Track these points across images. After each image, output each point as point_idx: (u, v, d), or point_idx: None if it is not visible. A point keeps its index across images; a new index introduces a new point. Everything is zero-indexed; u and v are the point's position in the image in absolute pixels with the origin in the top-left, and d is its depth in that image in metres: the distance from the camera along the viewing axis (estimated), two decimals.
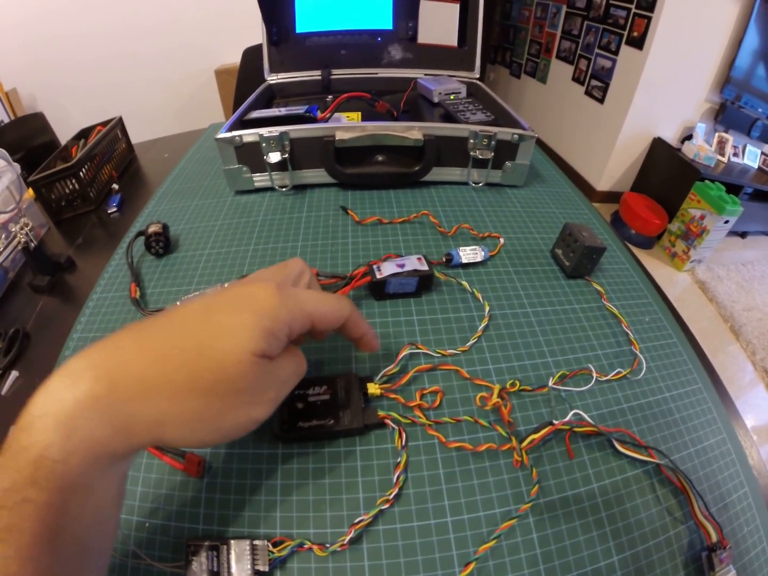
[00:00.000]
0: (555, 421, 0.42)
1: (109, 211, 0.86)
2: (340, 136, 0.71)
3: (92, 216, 0.86)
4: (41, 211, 0.84)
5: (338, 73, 1.04)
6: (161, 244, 0.65)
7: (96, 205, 0.88)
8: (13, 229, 0.67)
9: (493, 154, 0.75)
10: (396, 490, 0.38)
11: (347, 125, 0.74)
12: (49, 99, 2.98)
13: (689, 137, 3.06)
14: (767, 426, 2.05)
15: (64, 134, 1.00)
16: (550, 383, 0.46)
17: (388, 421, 0.42)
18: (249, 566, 0.33)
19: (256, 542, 0.34)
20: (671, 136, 3.19)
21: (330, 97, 0.95)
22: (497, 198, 0.78)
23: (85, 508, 0.25)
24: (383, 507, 0.37)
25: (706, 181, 2.70)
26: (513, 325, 0.54)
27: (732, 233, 3.11)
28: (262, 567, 0.33)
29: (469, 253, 0.61)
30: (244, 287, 0.33)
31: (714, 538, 0.36)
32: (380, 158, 0.77)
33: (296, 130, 0.72)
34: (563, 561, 0.35)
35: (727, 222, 2.61)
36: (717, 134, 3.11)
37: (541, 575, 0.35)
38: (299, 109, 0.80)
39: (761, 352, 2.34)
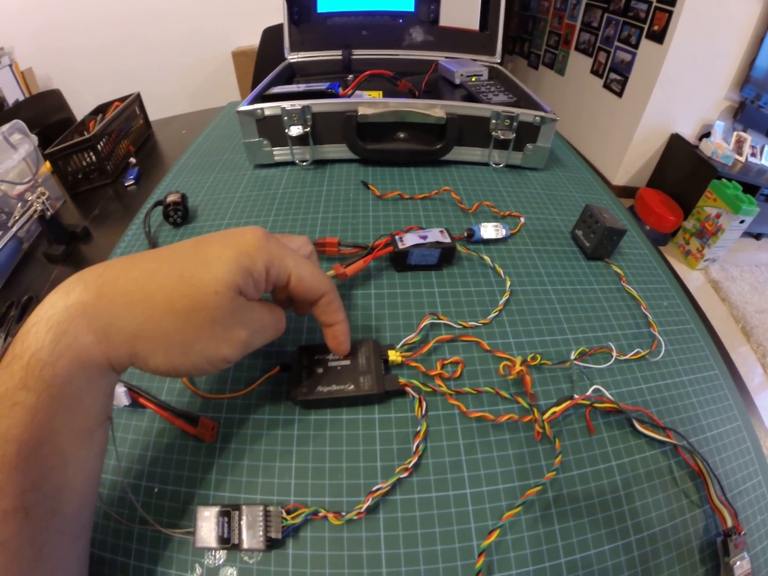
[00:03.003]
0: (576, 396, 0.42)
1: (126, 184, 0.86)
2: (362, 111, 0.71)
3: (109, 189, 0.86)
4: (57, 184, 0.84)
5: (359, 54, 1.03)
6: (179, 213, 0.65)
7: (113, 178, 0.88)
8: (30, 198, 0.67)
9: (514, 135, 0.74)
10: (415, 459, 0.37)
11: (370, 101, 0.73)
12: (65, 81, 2.97)
13: (707, 135, 3.04)
14: None
15: (79, 115, 1.00)
16: (572, 357, 0.46)
17: (408, 389, 0.41)
18: (261, 533, 0.32)
19: (270, 508, 0.33)
20: (689, 133, 3.16)
21: (351, 76, 0.94)
22: (517, 179, 0.78)
23: (71, 420, 0.27)
24: (402, 476, 0.36)
25: (723, 180, 2.67)
26: (534, 301, 0.54)
27: (747, 234, 3.10)
28: (275, 534, 0.32)
29: (490, 230, 0.60)
30: (237, 229, 0.34)
31: (729, 523, 0.36)
32: (402, 135, 0.76)
33: (319, 104, 0.72)
34: (581, 539, 0.35)
35: (742, 222, 2.59)
36: (735, 133, 3.07)
37: (558, 551, 0.34)
38: (321, 86, 0.79)
39: None
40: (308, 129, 0.72)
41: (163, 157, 1.01)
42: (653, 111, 3.05)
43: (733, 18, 2.68)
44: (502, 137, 0.74)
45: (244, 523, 0.33)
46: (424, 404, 0.41)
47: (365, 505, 0.34)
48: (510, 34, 4.88)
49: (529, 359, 0.45)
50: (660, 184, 3.31)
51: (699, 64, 2.84)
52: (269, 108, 0.71)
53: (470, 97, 0.85)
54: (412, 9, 1.03)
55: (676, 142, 3.16)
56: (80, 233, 0.71)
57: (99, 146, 0.84)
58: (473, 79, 0.91)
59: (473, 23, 1.02)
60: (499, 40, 1.02)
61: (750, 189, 2.73)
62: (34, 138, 0.80)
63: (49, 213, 0.67)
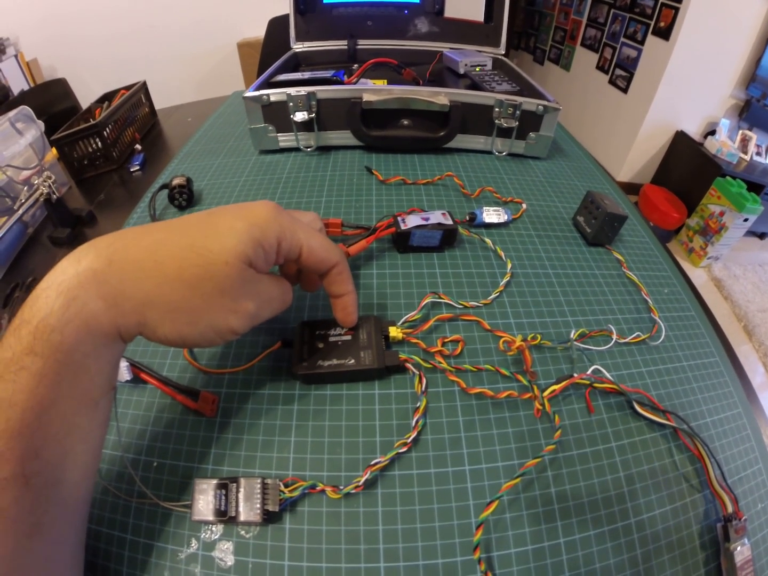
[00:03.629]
0: (575, 374, 0.42)
1: (131, 170, 0.87)
2: (367, 98, 0.71)
3: (114, 175, 0.86)
4: (63, 170, 0.85)
5: (364, 44, 1.04)
6: (185, 196, 0.65)
7: (118, 164, 0.88)
8: (36, 182, 0.67)
9: (517, 123, 0.75)
10: (414, 434, 0.37)
11: (375, 88, 0.74)
12: (70, 70, 2.97)
13: (712, 132, 3.03)
14: None
15: (84, 105, 1.01)
16: (571, 337, 0.46)
17: (408, 365, 0.41)
18: (258, 505, 0.32)
19: (268, 481, 0.34)
20: (694, 131, 3.15)
21: (356, 65, 0.94)
22: (520, 168, 0.78)
23: (76, 387, 0.27)
24: (401, 450, 0.36)
25: (728, 178, 2.66)
26: (534, 284, 0.54)
27: (750, 233, 3.08)
28: (272, 507, 0.33)
29: (492, 214, 0.61)
30: (249, 203, 0.34)
31: (730, 508, 0.36)
32: (406, 122, 0.77)
33: (324, 90, 0.72)
34: (580, 519, 0.35)
35: (746, 220, 2.59)
36: (741, 131, 3.06)
37: (557, 532, 0.34)
38: (326, 74, 0.80)
39: None
40: (313, 115, 0.73)
41: (168, 144, 1.01)
42: (658, 108, 3.04)
43: (739, 16, 2.67)
44: (505, 125, 0.75)
45: (241, 495, 0.33)
46: (424, 380, 0.41)
47: (363, 479, 0.34)
48: (516, 30, 4.86)
49: (529, 339, 0.45)
50: (664, 181, 3.30)
51: (705, 62, 2.83)
52: (275, 94, 0.72)
53: (474, 86, 0.86)
54: (417, 0, 1.03)
55: (681, 139, 3.15)
56: (85, 217, 0.72)
57: (105, 133, 0.84)
58: (477, 69, 0.92)
59: (478, 14, 1.02)
60: (504, 32, 1.02)
61: (754, 187, 2.73)
62: (41, 124, 0.80)
63: (54, 196, 0.68)
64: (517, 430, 0.39)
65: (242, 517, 0.32)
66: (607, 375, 0.44)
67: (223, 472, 0.36)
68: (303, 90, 0.71)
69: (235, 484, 0.33)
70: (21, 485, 0.24)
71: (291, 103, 0.72)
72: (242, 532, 0.33)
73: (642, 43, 3.06)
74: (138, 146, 0.94)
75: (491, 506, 0.32)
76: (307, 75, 0.81)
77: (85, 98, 1.05)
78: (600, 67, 3.56)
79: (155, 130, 1.07)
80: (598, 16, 3.50)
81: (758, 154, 3.09)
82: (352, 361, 0.40)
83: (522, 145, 0.79)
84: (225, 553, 0.32)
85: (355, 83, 0.79)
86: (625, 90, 3.28)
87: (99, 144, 0.84)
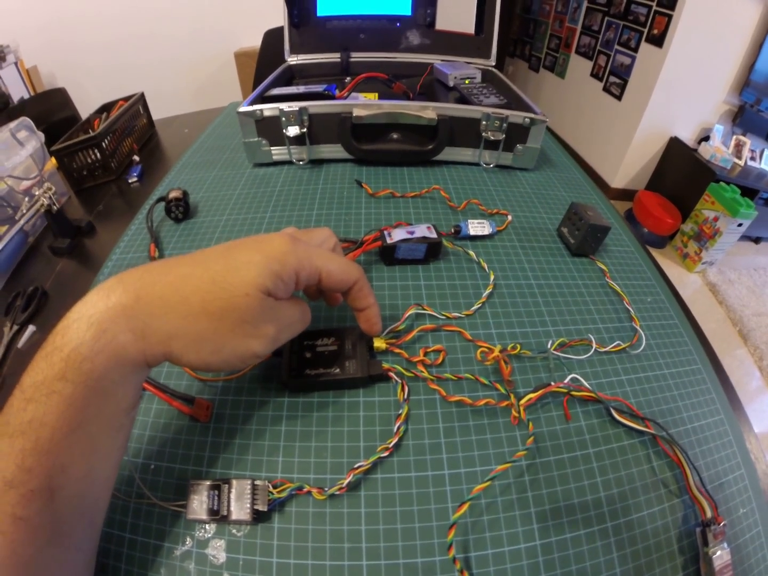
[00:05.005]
0: (552, 383, 0.44)
1: (129, 181, 0.88)
2: (357, 112, 0.73)
3: (112, 186, 0.88)
4: (62, 180, 0.86)
5: (357, 56, 1.06)
6: (181, 209, 0.67)
7: (117, 175, 0.90)
8: (37, 193, 0.69)
9: (504, 136, 0.77)
10: (396, 440, 0.39)
11: (364, 102, 0.76)
12: (70, 78, 3.00)
13: (706, 138, 3.05)
14: None
15: (83, 113, 1.03)
16: (549, 347, 0.48)
17: (391, 374, 0.43)
18: (248, 505, 0.34)
19: (257, 482, 0.36)
20: (688, 137, 3.17)
21: (348, 78, 0.96)
22: (507, 179, 0.80)
23: (103, 411, 0.29)
24: (382, 455, 0.38)
25: (722, 183, 2.68)
26: (516, 294, 0.56)
27: (745, 238, 3.11)
28: (261, 507, 0.34)
29: (476, 226, 0.62)
30: (265, 234, 0.36)
31: (709, 513, 0.37)
32: (395, 136, 0.79)
33: (315, 105, 0.74)
34: (557, 522, 0.36)
35: (740, 225, 2.60)
36: (734, 137, 3.08)
37: (534, 534, 0.36)
38: (318, 88, 0.82)
39: None
40: (305, 129, 0.75)
41: (165, 155, 1.03)
42: (652, 114, 3.06)
43: (732, 22, 2.69)
44: (492, 138, 0.77)
45: (233, 496, 0.35)
46: (406, 389, 0.43)
47: (346, 481, 0.36)
48: (511, 37, 4.89)
49: (509, 348, 0.47)
50: (659, 187, 3.32)
51: (698, 68, 2.85)
52: (268, 109, 0.74)
53: (463, 99, 0.88)
54: (409, 13, 1.05)
55: (675, 145, 3.18)
56: (85, 227, 0.74)
57: (104, 144, 0.86)
58: (467, 82, 0.94)
59: (469, 27, 1.04)
60: (494, 44, 1.04)
61: (749, 192, 2.75)
62: (41, 135, 0.82)
63: (55, 207, 0.69)
64: (495, 436, 0.41)
65: (233, 516, 0.34)
66: (585, 383, 0.45)
67: (217, 474, 0.38)
68: (295, 105, 0.73)
69: (227, 485, 0.35)
70: (46, 498, 0.26)
71: (284, 118, 0.74)
72: (234, 531, 0.35)
73: (636, 50, 3.09)
74: (136, 157, 0.95)
75: (462, 508, 0.34)
76: (300, 89, 0.83)
77: (85, 105, 1.07)
78: (594, 75, 3.59)
79: (153, 140, 1.09)
80: (593, 24, 3.53)
81: (752, 159, 3.11)
82: (338, 370, 0.42)
83: (510, 157, 0.81)
84: (217, 551, 0.34)
85: (346, 98, 0.82)
86: (619, 97, 3.31)
87: (98, 155, 0.86)
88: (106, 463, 0.30)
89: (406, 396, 0.43)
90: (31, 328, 0.56)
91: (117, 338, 0.28)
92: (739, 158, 3.05)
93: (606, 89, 3.45)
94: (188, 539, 0.35)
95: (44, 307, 0.60)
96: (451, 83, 0.94)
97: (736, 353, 2.40)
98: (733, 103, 3.04)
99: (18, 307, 0.58)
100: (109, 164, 0.88)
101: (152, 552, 0.34)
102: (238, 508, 0.34)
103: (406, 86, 0.89)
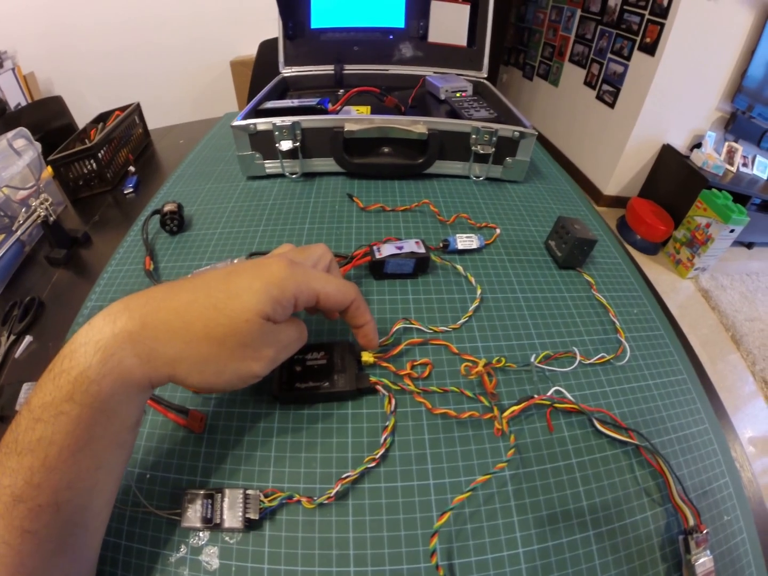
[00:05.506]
0: (536, 395, 0.45)
1: (125, 192, 0.89)
2: (348, 127, 0.75)
3: (108, 196, 0.89)
4: (59, 189, 0.87)
5: (350, 69, 1.07)
6: (176, 222, 0.68)
7: (112, 186, 0.91)
8: (33, 204, 0.70)
9: (494, 149, 0.78)
10: (382, 451, 0.40)
11: (356, 117, 0.77)
12: (67, 85, 3.01)
13: (698, 145, 3.07)
14: (765, 437, 2.04)
15: (80, 120, 1.04)
16: (532, 360, 0.49)
17: (379, 387, 0.45)
18: (240, 513, 0.36)
19: (249, 492, 0.37)
20: (680, 144, 3.19)
21: (341, 90, 0.97)
22: (497, 192, 0.81)
23: (108, 429, 0.30)
24: (369, 465, 0.39)
25: (714, 190, 2.70)
26: (503, 308, 0.57)
27: (738, 243, 3.14)
28: (253, 515, 0.36)
29: (465, 240, 0.64)
30: (263, 259, 0.37)
31: (691, 521, 0.37)
32: (386, 150, 0.80)
33: (308, 120, 0.75)
34: (539, 530, 0.37)
35: (732, 231, 2.61)
36: (727, 143, 3.11)
37: (516, 542, 0.37)
38: (311, 101, 0.83)
39: (761, 362, 2.35)
40: (298, 144, 0.76)
41: (161, 165, 1.04)
42: (645, 122, 3.09)
43: (724, 30, 2.72)
44: (481, 151, 0.78)
45: (225, 504, 0.36)
46: (393, 401, 0.44)
47: (334, 491, 0.37)
48: (506, 45, 4.92)
49: (494, 362, 0.48)
50: (651, 194, 3.34)
51: (690, 76, 2.88)
52: (261, 123, 0.75)
53: (454, 113, 0.89)
54: (402, 25, 1.07)
55: (667, 152, 3.20)
56: (81, 238, 0.74)
57: (99, 155, 0.87)
58: (458, 95, 0.95)
59: (461, 39, 1.06)
60: (486, 56, 1.06)
61: (741, 198, 2.76)
62: (38, 145, 0.83)
63: (51, 219, 0.70)
64: (480, 447, 0.42)
65: (226, 524, 0.36)
66: (568, 395, 0.46)
67: (210, 483, 0.39)
68: (288, 120, 0.74)
69: (220, 495, 0.37)
70: (53, 511, 0.27)
71: (276, 132, 0.75)
72: (226, 538, 0.36)
73: (628, 58, 3.11)
74: (132, 168, 0.96)
75: (444, 517, 0.35)
76: (294, 102, 0.84)
77: (82, 112, 1.08)
78: (588, 83, 3.62)
79: (149, 150, 1.10)
80: (586, 33, 3.56)
81: (744, 165, 3.14)
82: (327, 383, 0.43)
83: (499, 170, 0.83)
84: (211, 557, 0.35)
85: (338, 112, 0.83)
86: (612, 105, 3.33)
87: (94, 165, 0.87)
88: (109, 477, 0.32)
89: (393, 408, 0.44)
90: (28, 338, 0.57)
91: (123, 362, 0.30)
92: (732, 165, 3.07)
93: (599, 97, 3.48)
94: (183, 546, 0.36)
95: (41, 317, 0.60)
96: (442, 96, 0.96)
97: (728, 358, 2.41)
98: (725, 110, 3.06)
99: (15, 317, 0.59)
100: (105, 175, 0.89)
101: (148, 559, 0.35)
102: (231, 517, 0.36)
103: (398, 99, 0.91)
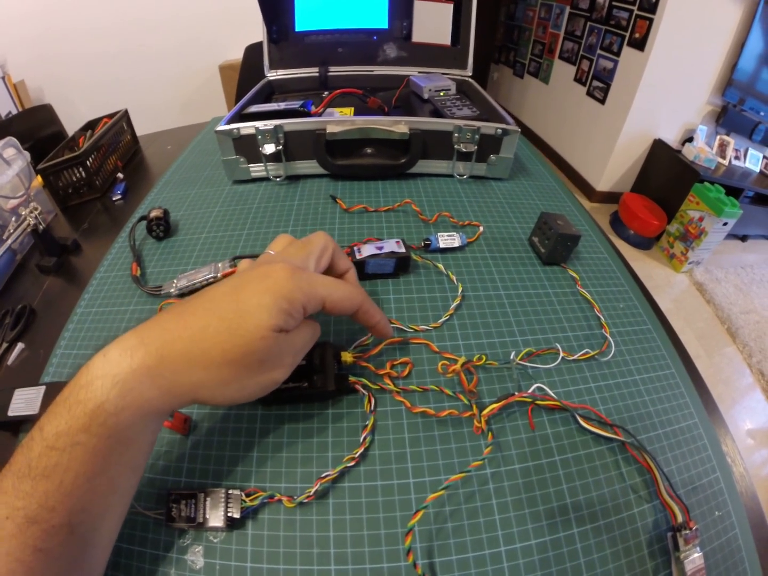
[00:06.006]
0: (516, 393, 0.45)
1: (114, 199, 0.89)
2: (330, 129, 0.75)
3: (97, 203, 0.89)
4: (49, 197, 0.87)
5: (335, 70, 1.07)
6: (162, 227, 0.69)
7: (101, 193, 0.91)
8: (23, 213, 0.70)
9: (476, 147, 0.78)
10: (361, 450, 0.41)
11: (338, 119, 0.77)
12: (57, 92, 3.01)
13: (690, 139, 3.08)
14: (764, 429, 2.05)
15: (70, 126, 1.04)
16: (512, 357, 0.49)
17: (358, 387, 0.45)
18: (222, 513, 0.36)
19: (231, 491, 0.37)
20: (672, 138, 3.20)
21: (326, 93, 0.98)
22: (481, 189, 0.82)
23: (125, 457, 0.31)
24: (349, 464, 0.40)
25: (706, 183, 2.71)
26: (485, 306, 0.57)
27: (732, 236, 3.14)
28: (235, 514, 0.36)
29: (446, 239, 0.64)
30: (266, 268, 0.37)
31: (680, 518, 0.37)
32: (369, 151, 0.80)
33: (290, 123, 0.76)
34: (521, 528, 0.37)
35: (725, 224, 2.63)
36: (718, 137, 3.12)
37: (498, 541, 0.37)
38: (295, 104, 0.83)
39: (758, 354, 2.36)
40: (281, 147, 0.76)
41: (149, 171, 1.04)
42: (636, 117, 3.10)
43: (713, 23, 2.73)
44: (464, 150, 0.78)
45: (208, 504, 0.37)
46: (373, 400, 0.45)
47: (314, 489, 0.38)
48: (496, 44, 4.93)
49: (475, 359, 0.48)
50: (644, 189, 3.35)
51: (680, 70, 2.89)
52: (245, 127, 0.75)
53: (436, 111, 0.89)
54: (385, 26, 1.06)
55: (659, 147, 3.21)
56: (70, 245, 0.75)
57: (88, 162, 0.87)
58: (441, 94, 0.95)
59: (445, 38, 1.05)
60: (471, 54, 1.05)
61: (734, 192, 2.77)
62: (27, 154, 0.83)
63: (41, 227, 0.70)
64: (460, 445, 0.42)
65: (209, 524, 0.36)
66: (550, 392, 0.46)
67: (194, 484, 0.40)
68: (270, 123, 0.74)
69: (203, 494, 0.37)
70: (67, 532, 0.28)
71: (260, 136, 0.75)
72: (210, 537, 0.37)
73: (618, 54, 3.13)
74: (120, 175, 0.96)
75: (417, 515, 0.35)
76: (277, 106, 0.84)
77: (74, 119, 1.08)
78: (578, 80, 3.63)
79: (137, 157, 1.10)
80: (575, 29, 3.58)
81: (737, 158, 3.15)
82: (306, 384, 0.43)
83: (483, 168, 0.83)
84: (196, 556, 0.36)
85: (321, 114, 0.83)
86: (602, 101, 3.34)
87: (82, 173, 0.87)
88: (122, 500, 0.32)
89: (372, 408, 0.44)
90: (20, 345, 0.57)
91: (143, 395, 0.30)
92: (724, 158, 3.09)
93: (589, 93, 3.49)
94: (168, 546, 0.36)
95: (32, 325, 0.61)
96: (425, 95, 0.96)
97: (725, 351, 2.42)
98: (716, 104, 3.08)
99: (7, 325, 0.59)
100: (93, 182, 0.89)
101: (136, 558, 0.36)
102: (214, 516, 0.36)
103: (381, 100, 0.91)
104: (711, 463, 0.44)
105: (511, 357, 0.49)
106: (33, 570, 0.27)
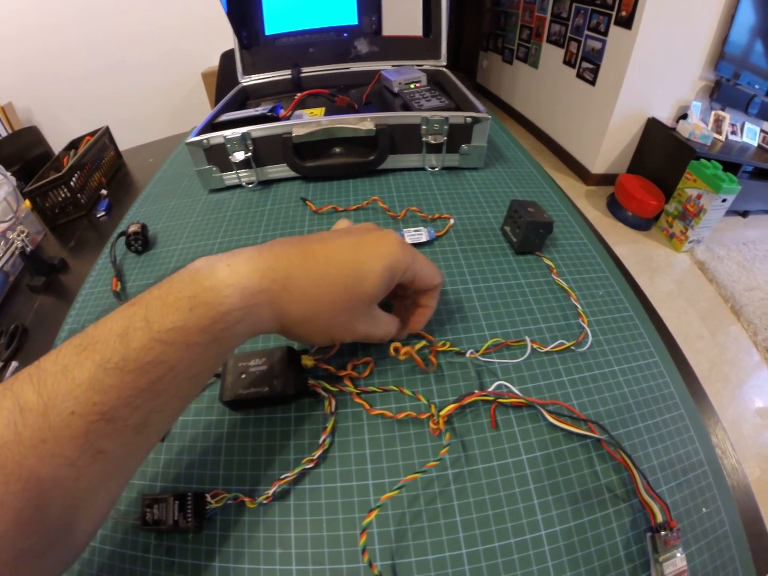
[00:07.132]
0: (476, 391, 0.44)
1: (98, 216, 0.91)
2: (296, 132, 0.75)
3: (84, 220, 0.91)
4: (37, 218, 0.89)
5: (308, 71, 1.07)
6: (140, 242, 0.70)
7: (87, 210, 0.92)
8: (11, 236, 0.73)
9: (446, 138, 0.78)
10: (320, 452, 0.41)
11: (303, 122, 0.77)
12: (45, 111, 3.05)
13: (684, 116, 3.05)
14: None
15: (61, 145, 1.05)
16: (468, 355, 0.48)
17: (318, 389, 0.45)
18: (190, 515, 0.37)
19: (196, 494, 0.38)
20: (666, 116, 3.18)
21: (298, 95, 0.98)
22: (454, 181, 0.81)
23: (217, 363, 0.33)
24: (307, 466, 0.40)
25: (702, 160, 2.66)
26: (452, 300, 0.56)
27: (733, 212, 3.10)
28: (200, 516, 0.37)
29: (413, 234, 0.64)
30: (380, 233, 0.41)
31: (659, 517, 0.35)
32: (338, 150, 0.80)
33: (257, 129, 0.76)
34: (484, 531, 0.37)
35: (724, 201, 2.59)
36: (713, 112, 3.09)
37: (460, 543, 0.36)
38: (265, 110, 0.84)
39: (764, 332, 2.32)
40: (250, 153, 0.77)
41: (133, 186, 1.05)
42: (627, 97, 3.07)
43: None
44: (433, 141, 0.78)
45: (176, 507, 0.37)
46: (333, 402, 0.45)
47: (272, 491, 0.38)
48: (484, 32, 4.91)
49: (438, 345, 0.48)
50: (640, 169, 3.33)
51: (670, 46, 2.86)
52: (214, 137, 0.76)
53: (405, 105, 0.89)
54: (355, 22, 1.06)
55: (653, 126, 3.18)
56: (58, 264, 0.76)
57: (72, 182, 0.88)
58: (412, 86, 0.95)
59: (416, 29, 1.05)
60: (443, 44, 1.05)
61: (732, 167, 2.74)
62: (12, 179, 0.84)
63: (28, 249, 0.73)
64: (421, 446, 0.42)
65: (179, 525, 0.37)
66: (513, 389, 0.44)
67: (168, 488, 0.41)
68: (238, 131, 0.75)
69: (172, 498, 0.38)
70: (134, 433, 0.28)
71: (228, 145, 0.75)
72: (182, 538, 0.38)
73: (605, 34, 3.10)
74: (104, 191, 0.97)
75: (371, 515, 0.35)
76: (247, 113, 0.85)
77: (64, 138, 1.09)
78: (567, 62, 3.61)
79: (121, 172, 1.11)
80: (561, 11, 3.56)
81: (733, 133, 3.12)
82: (267, 388, 0.44)
83: (456, 158, 0.82)
84: (170, 556, 0.37)
85: (290, 117, 0.83)
86: (593, 82, 3.32)
87: (67, 193, 0.88)
88: (182, 404, 0.33)
89: (333, 410, 0.44)
90: (14, 364, 0.59)
91: (260, 315, 0.34)
92: (720, 133, 3.05)
93: (579, 75, 3.47)
94: (144, 547, 0.38)
95: (25, 343, 0.63)
96: (396, 89, 0.96)
97: (729, 330, 2.39)
98: (709, 79, 3.04)
99: (1, 345, 0.62)
100: (78, 200, 0.90)
101: (117, 559, 0.38)
102: (181, 518, 0.37)
103: (351, 98, 0.91)
104: (698, 456, 0.42)
105: (468, 355, 0.48)
106: (86, 475, 0.26)
